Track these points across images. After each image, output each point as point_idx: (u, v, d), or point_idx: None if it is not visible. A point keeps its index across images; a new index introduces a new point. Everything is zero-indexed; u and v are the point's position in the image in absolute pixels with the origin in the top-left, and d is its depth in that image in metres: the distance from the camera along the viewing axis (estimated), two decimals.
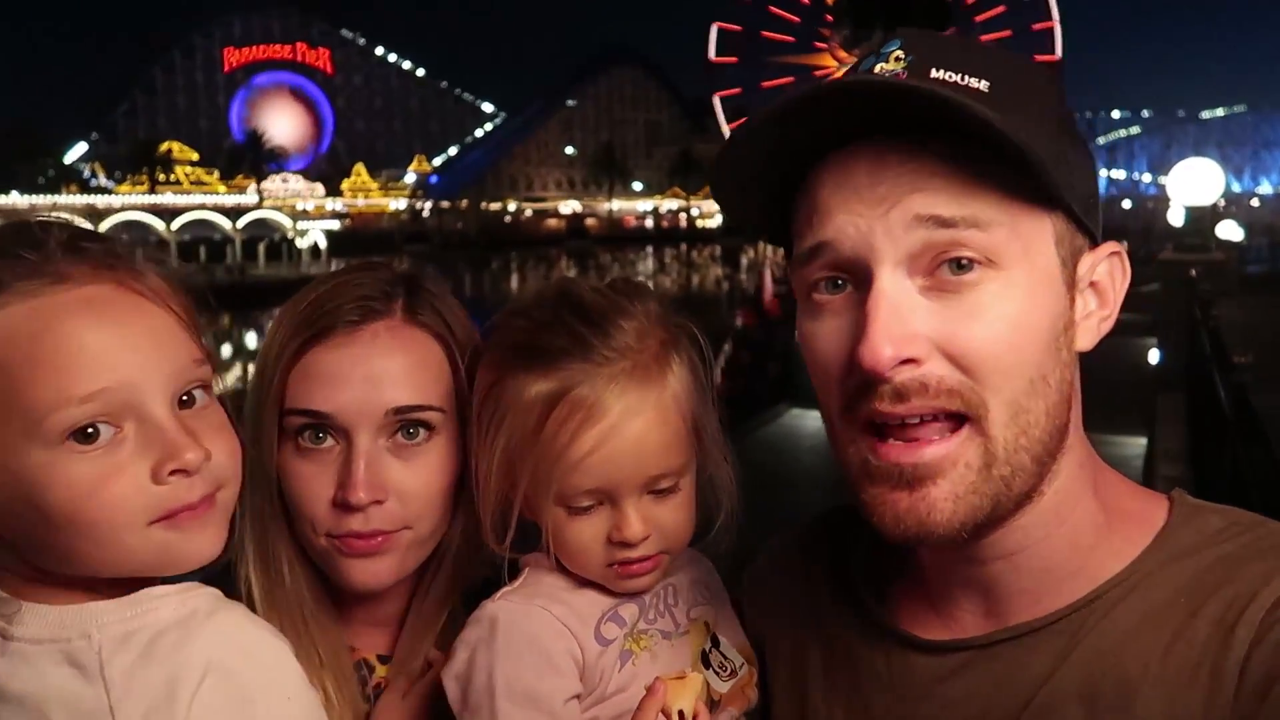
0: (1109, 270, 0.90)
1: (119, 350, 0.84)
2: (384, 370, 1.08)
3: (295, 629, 1.09)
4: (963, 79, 0.82)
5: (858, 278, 0.85)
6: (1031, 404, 0.84)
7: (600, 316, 1.03)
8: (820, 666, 1.05)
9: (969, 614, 0.95)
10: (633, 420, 1.00)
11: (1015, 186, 0.81)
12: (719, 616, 1.15)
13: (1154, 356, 13.91)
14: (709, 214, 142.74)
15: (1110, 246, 0.91)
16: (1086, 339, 0.89)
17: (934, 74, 0.82)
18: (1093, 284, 0.90)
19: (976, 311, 0.82)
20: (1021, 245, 0.83)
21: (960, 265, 0.82)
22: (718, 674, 1.08)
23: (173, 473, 0.85)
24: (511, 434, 1.02)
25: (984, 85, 0.82)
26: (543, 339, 1.02)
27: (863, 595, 1.04)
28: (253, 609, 1.06)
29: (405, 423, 1.09)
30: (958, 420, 0.84)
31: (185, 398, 0.88)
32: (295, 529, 1.12)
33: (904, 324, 0.82)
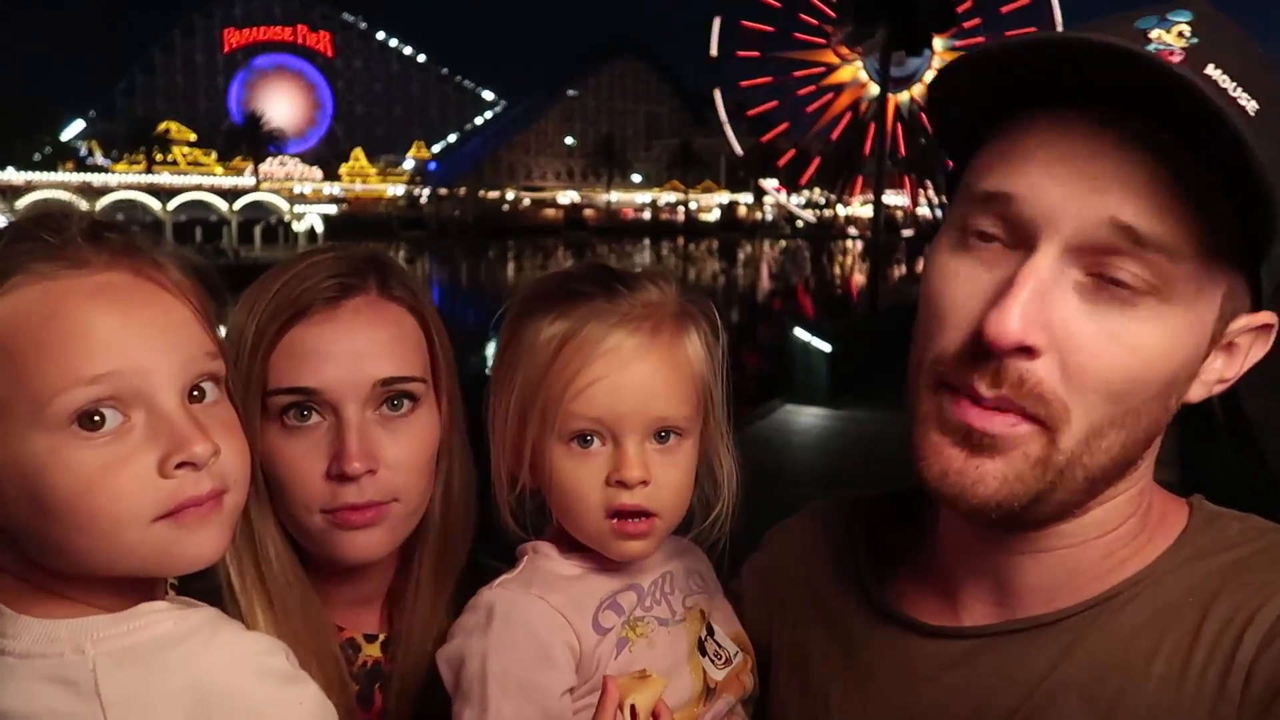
0: (1251, 341, 0.85)
1: (130, 336, 0.82)
2: (369, 343, 1.10)
3: (279, 612, 1.09)
4: (1234, 89, 0.73)
5: (1019, 238, 0.80)
6: (1112, 433, 0.82)
7: (630, 276, 1.08)
8: (822, 650, 1.05)
9: (980, 603, 0.94)
10: (643, 359, 1.03)
11: (1223, 226, 0.75)
12: (713, 605, 1.15)
13: None
14: (707, 208, 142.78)
15: (1264, 318, 0.84)
16: (1199, 391, 0.86)
17: (1208, 70, 0.73)
18: (1230, 345, 0.84)
19: (1118, 333, 0.78)
20: (1195, 288, 0.78)
21: (1126, 284, 0.78)
22: (713, 661, 1.09)
23: (179, 466, 0.82)
24: (526, 374, 1.04)
25: (1252, 106, 0.73)
26: (570, 285, 1.06)
27: (866, 582, 1.04)
28: (232, 597, 1.07)
29: (391, 394, 1.11)
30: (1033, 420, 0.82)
31: (196, 391, 0.86)
32: (281, 510, 1.11)
33: (1042, 310, 0.78)
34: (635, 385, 1.02)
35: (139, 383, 0.81)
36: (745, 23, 65.25)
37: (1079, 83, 0.77)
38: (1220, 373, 0.86)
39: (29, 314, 0.80)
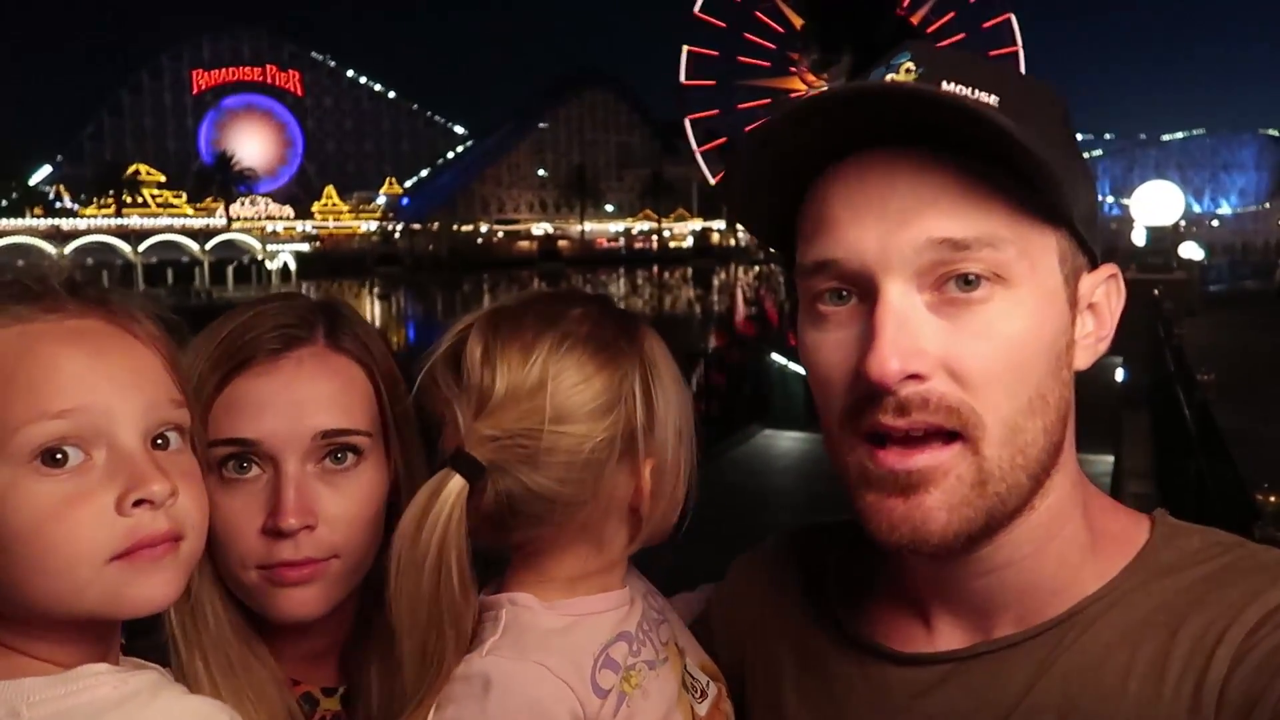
0: (1106, 292, 0.91)
1: (96, 376, 0.85)
2: (310, 395, 1.08)
3: (223, 669, 1.06)
4: (973, 92, 0.82)
5: (864, 290, 0.85)
6: (1029, 423, 0.85)
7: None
8: (794, 682, 1.04)
9: (950, 628, 0.94)
10: None
11: (1024, 202, 0.82)
12: (679, 635, 1.11)
13: (1119, 375, 14.12)
14: (680, 236, 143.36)
15: (1108, 269, 0.91)
16: (1084, 358, 0.90)
17: (945, 86, 0.82)
18: (1091, 305, 0.90)
19: (983, 330, 0.83)
20: (1029, 263, 0.83)
21: (968, 281, 0.82)
22: (693, 696, 1.06)
23: (137, 504, 0.83)
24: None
25: (994, 100, 0.82)
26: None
27: (836, 610, 1.03)
28: (176, 653, 1.05)
29: (333, 447, 1.08)
30: (953, 435, 0.84)
31: (160, 440, 0.88)
32: (219, 565, 1.08)
33: (912, 339, 0.82)
34: None
35: (102, 421, 0.83)
36: (692, 48, 65.93)
37: (849, 138, 0.84)
38: (1095, 333, 0.91)
39: (3, 353, 0.83)
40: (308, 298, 1.17)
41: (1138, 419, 11.69)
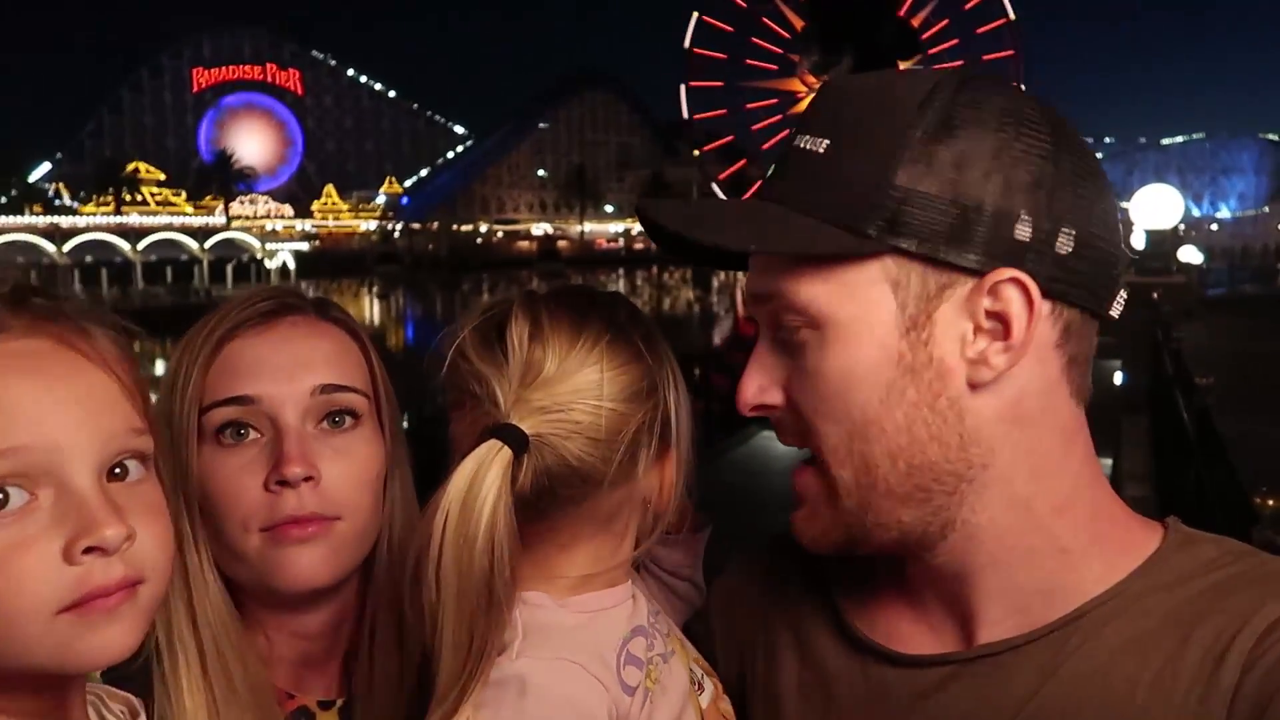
0: (1005, 299, 0.84)
1: (44, 408, 0.75)
2: (306, 353, 1.08)
3: (211, 662, 1.02)
4: (808, 143, 0.89)
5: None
6: (864, 449, 0.87)
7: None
8: (795, 680, 1.04)
9: (951, 628, 0.95)
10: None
11: (825, 245, 0.84)
12: (672, 626, 1.09)
13: (1118, 378, 14.12)
14: None
15: (1001, 274, 0.83)
16: (981, 374, 0.85)
17: (796, 141, 0.90)
18: (992, 313, 0.85)
19: (803, 369, 0.89)
20: (834, 299, 0.86)
21: (790, 329, 0.89)
22: (694, 690, 1.04)
23: (87, 551, 0.74)
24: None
25: (823, 146, 0.87)
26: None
27: (838, 608, 1.03)
28: (158, 659, 1.00)
29: (331, 408, 1.08)
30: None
31: (117, 469, 0.79)
32: (217, 541, 1.05)
33: (764, 374, 0.92)
34: None
35: (49, 459, 0.74)
36: (697, 49, 66.22)
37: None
38: (996, 345, 0.85)
39: None
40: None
41: (1136, 422, 11.70)
